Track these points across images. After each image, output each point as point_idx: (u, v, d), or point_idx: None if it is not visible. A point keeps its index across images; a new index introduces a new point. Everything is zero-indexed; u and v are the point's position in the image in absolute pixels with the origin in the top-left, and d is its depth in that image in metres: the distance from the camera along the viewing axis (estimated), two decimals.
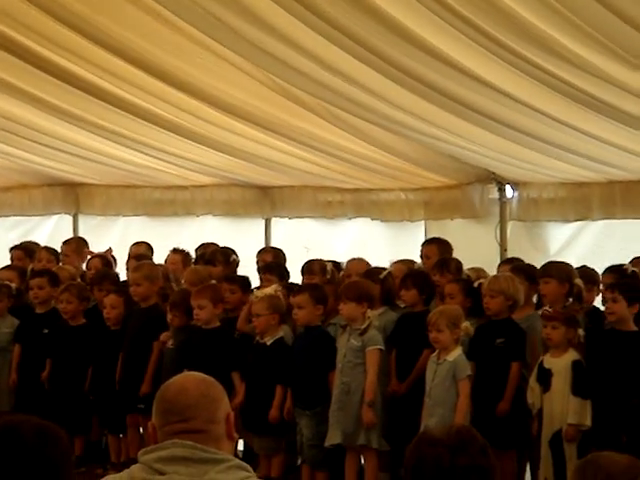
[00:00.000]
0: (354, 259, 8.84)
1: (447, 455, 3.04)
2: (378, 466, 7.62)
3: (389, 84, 6.90)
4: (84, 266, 10.13)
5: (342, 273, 8.72)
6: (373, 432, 7.52)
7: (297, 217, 10.80)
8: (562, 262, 7.85)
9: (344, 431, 7.54)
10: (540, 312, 7.28)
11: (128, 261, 9.79)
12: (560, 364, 7.01)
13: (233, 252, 9.46)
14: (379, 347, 7.55)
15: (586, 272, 7.70)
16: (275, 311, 7.90)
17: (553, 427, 6.97)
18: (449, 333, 7.13)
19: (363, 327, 7.54)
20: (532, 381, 7.09)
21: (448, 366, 7.14)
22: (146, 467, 2.98)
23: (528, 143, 7.91)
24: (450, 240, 8.81)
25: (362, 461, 7.75)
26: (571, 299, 7.40)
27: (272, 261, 9.23)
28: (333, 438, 7.58)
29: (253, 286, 8.74)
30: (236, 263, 9.39)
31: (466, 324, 7.17)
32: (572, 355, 7.00)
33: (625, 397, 6.13)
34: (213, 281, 8.52)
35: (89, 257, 10.18)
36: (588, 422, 6.84)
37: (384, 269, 8.22)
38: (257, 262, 9.44)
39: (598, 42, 5.71)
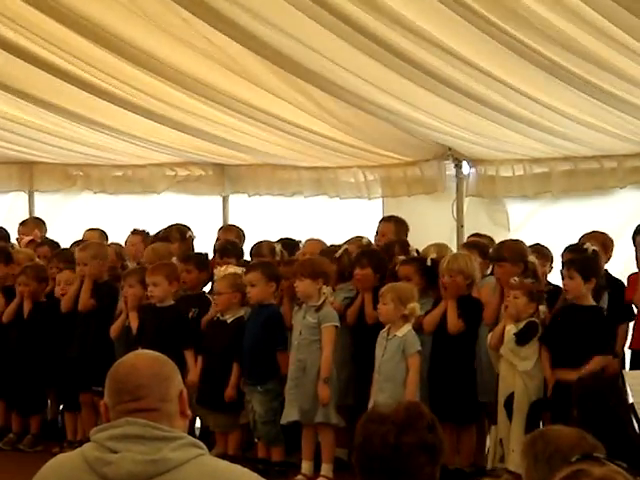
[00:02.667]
0: (311, 240, 8.84)
1: (393, 432, 3.06)
2: (335, 442, 7.67)
3: (346, 49, 6.74)
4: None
5: (299, 252, 8.72)
6: (330, 408, 7.56)
7: (255, 195, 10.79)
8: (514, 241, 7.85)
9: (301, 408, 7.57)
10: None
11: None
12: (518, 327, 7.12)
13: (189, 229, 9.44)
14: (335, 324, 7.58)
15: (538, 249, 7.72)
16: (237, 290, 7.92)
17: (507, 389, 7.06)
18: (393, 307, 7.18)
19: (319, 304, 7.57)
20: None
21: (397, 342, 7.19)
22: (98, 445, 2.97)
23: (485, 114, 7.86)
24: (407, 217, 8.84)
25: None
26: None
27: (227, 242, 9.14)
28: (290, 415, 7.61)
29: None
30: (192, 240, 9.37)
31: (414, 305, 7.20)
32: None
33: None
34: (174, 258, 8.51)
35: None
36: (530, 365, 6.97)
37: (340, 247, 8.24)
38: (217, 239, 9.41)
39: (568, 9, 5.64)
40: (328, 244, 8.58)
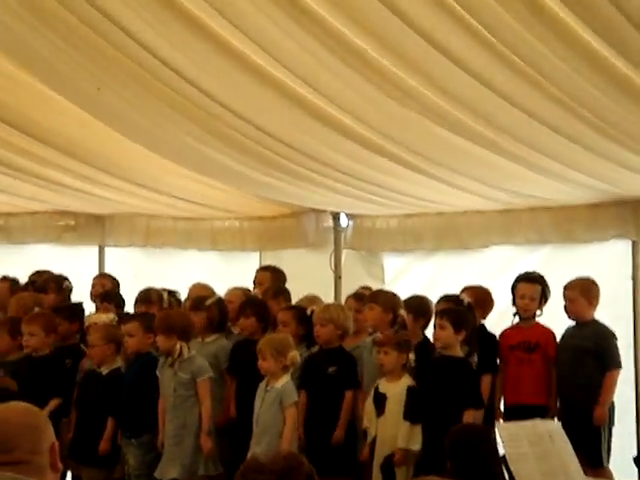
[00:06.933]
0: (197, 284, 8.80)
1: None
2: None
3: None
4: None
5: (185, 298, 8.67)
6: (211, 460, 7.48)
7: (128, 246, 10.71)
8: (389, 291, 7.96)
9: (183, 464, 7.47)
10: (370, 339, 7.37)
11: None
12: (395, 389, 7.09)
13: (66, 279, 9.33)
14: (209, 375, 7.52)
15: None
16: (111, 341, 7.83)
17: (385, 451, 7.03)
18: (274, 361, 7.15)
19: (186, 357, 7.49)
20: (368, 405, 7.17)
21: (275, 393, 7.15)
22: None
23: (359, 186, 8.05)
24: (285, 269, 8.88)
25: None
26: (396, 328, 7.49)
27: (110, 289, 9.13)
28: (170, 473, 7.48)
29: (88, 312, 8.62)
30: (69, 290, 9.26)
31: (293, 353, 7.19)
32: (407, 380, 7.08)
33: (450, 422, 6.23)
34: (37, 309, 8.39)
35: None
36: (417, 447, 6.95)
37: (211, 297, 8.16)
38: (93, 287, 9.33)
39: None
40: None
